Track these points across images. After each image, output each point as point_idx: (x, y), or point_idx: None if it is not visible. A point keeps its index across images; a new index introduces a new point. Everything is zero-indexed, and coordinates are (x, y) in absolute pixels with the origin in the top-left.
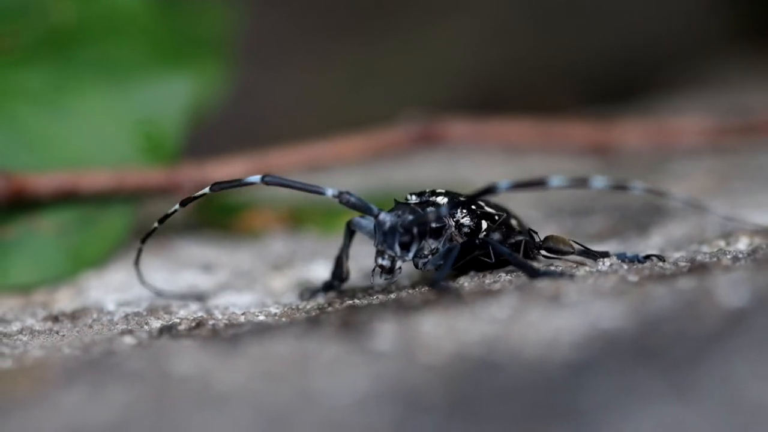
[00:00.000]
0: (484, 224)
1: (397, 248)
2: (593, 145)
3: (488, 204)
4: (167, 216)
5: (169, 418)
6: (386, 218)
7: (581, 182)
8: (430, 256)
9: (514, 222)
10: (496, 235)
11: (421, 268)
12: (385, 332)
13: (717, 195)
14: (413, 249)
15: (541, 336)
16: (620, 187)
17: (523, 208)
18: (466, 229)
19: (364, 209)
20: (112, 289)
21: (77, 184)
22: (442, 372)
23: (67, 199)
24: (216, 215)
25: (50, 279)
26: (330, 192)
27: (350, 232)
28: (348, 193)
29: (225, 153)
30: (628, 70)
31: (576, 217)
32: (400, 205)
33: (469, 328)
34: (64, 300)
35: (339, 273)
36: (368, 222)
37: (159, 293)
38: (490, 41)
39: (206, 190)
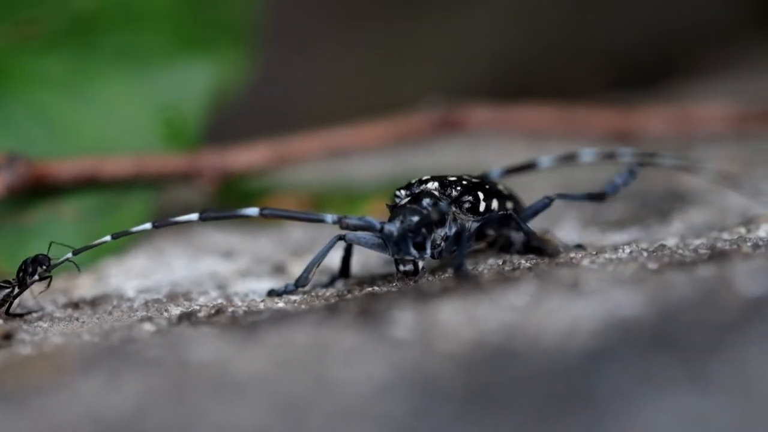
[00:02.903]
0: (481, 195)
1: (414, 251)
2: (616, 131)
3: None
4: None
5: (186, 405)
6: (392, 228)
7: (570, 158)
8: (442, 243)
9: (509, 204)
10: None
11: (437, 257)
12: (404, 320)
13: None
14: (428, 246)
15: (559, 324)
16: (609, 155)
17: (545, 194)
18: (467, 205)
19: (366, 228)
20: (133, 276)
21: (98, 170)
22: (460, 360)
23: (89, 185)
24: (237, 202)
25: (71, 265)
26: (329, 218)
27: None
28: (346, 216)
29: (248, 139)
30: (651, 57)
31: (597, 204)
32: (396, 210)
33: (487, 315)
34: (85, 286)
35: (346, 270)
36: (365, 235)
37: None
38: (517, 26)
39: (147, 225)
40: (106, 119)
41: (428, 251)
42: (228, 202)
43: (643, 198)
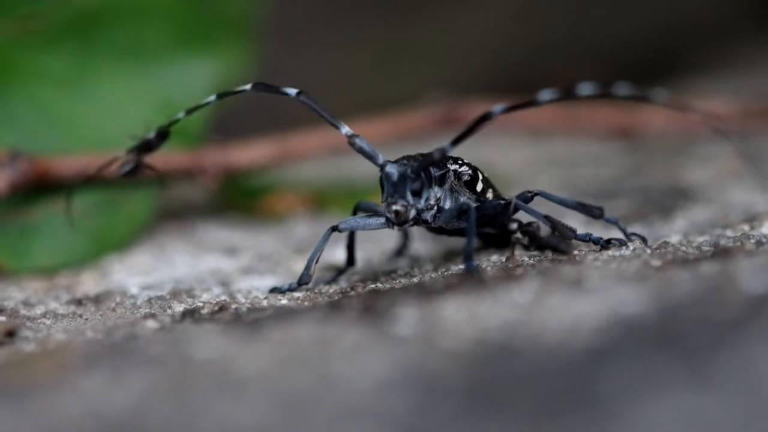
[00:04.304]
0: (480, 175)
1: (409, 196)
2: (618, 128)
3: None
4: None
5: (188, 402)
6: (393, 169)
7: (569, 92)
8: (436, 206)
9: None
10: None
11: (431, 223)
12: (407, 317)
13: (742, 177)
14: (425, 195)
15: (562, 321)
16: (606, 94)
17: (548, 189)
18: (465, 177)
19: (370, 155)
20: (136, 273)
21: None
22: (463, 357)
23: (91, 182)
24: (239, 199)
25: (74, 262)
26: (344, 130)
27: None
28: (358, 137)
29: (250, 135)
30: (654, 54)
31: (600, 200)
32: (402, 157)
33: (490, 313)
34: (88, 283)
35: (351, 258)
36: (357, 219)
37: None
38: (518, 22)
39: (248, 87)
40: (108, 115)
41: (422, 201)
42: (230, 199)
43: (646, 194)
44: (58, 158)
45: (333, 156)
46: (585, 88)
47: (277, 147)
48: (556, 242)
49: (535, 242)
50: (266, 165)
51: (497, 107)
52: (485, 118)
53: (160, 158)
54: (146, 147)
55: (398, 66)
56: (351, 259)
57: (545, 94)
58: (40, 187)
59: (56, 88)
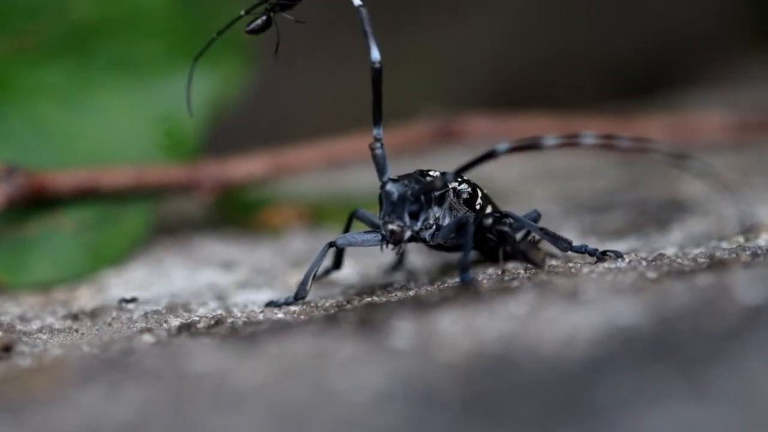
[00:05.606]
0: (480, 192)
1: (407, 218)
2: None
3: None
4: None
5: (185, 416)
6: (394, 188)
7: (572, 138)
8: (434, 225)
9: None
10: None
11: (429, 241)
12: (403, 330)
13: (739, 190)
14: (422, 218)
15: (558, 333)
16: (608, 145)
17: (544, 203)
18: (465, 195)
19: (380, 168)
20: (132, 287)
21: (98, 181)
22: (459, 370)
23: (88, 196)
24: (236, 212)
25: (70, 277)
26: (375, 131)
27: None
28: (382, 145)
29: (246, 149)
30: (650, 67)
31: (595, 213)
32: (404, 176)
33: (486, 325)
34: (84, 298)
35: (338, 261)
36: (353, 235)
37: None
38: (516, 36)
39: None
40: (104, 130)
41: (419, 223)
42: (226, 213)
43: (642, 207)
44: (55, 173)
45: (329, 170)
46: (588, 138)
47: (273, 161)
48: (527, 249)
49: (506, 243)
50: (263, 179)
51: (502, 146)
52: (490, 155)
53: (156, 172)
54: (283, 4)
55: (396, 81)
56: (338, 263)
57: (549, 140)
58: (36, 201)
59: (53, 103)
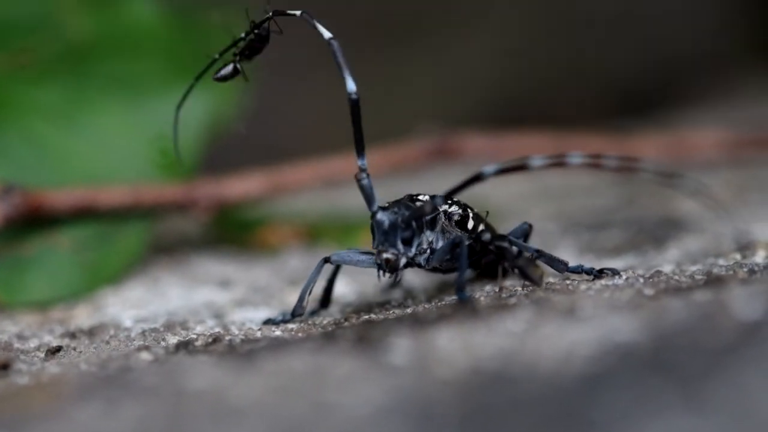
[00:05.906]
0: (471, 213)
1: (400, 245)
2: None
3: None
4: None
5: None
6: (384, 217)
7: (559, 158)
8: (429, 249)
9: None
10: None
11: (425, 266)
12: (401, 347)
13: (734, 207)
14: (415, 243)
15: (556, 350)
16: (596, 165)
17: (541, 221)
18: (456, 217)
19: (368, 197)
20: (130, 306)
21: (94, 200)
22: (457, 386)
23: (85, 215)
24: (232, 231)
25: (67, 295)
26: (359, 162)
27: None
28: (367, 175)
29: (242, 169)
30: (646, 85)
31: (593, 231)
32: (393, 204)
33: (484, 342)
34: (82, 316)
35: (327, 299)
36: (348, 254)
37: None
38: (513, 55)
39: (297, 12)
40: (101, 149)
41: (413, 249)
42: (223, 231)
43: (639, 225)
44: (52, 192)
45: (326, 188)
46: (575, 158)
47: (269, 179)
48: (525, 266)
49: (505, 259)
50: (259, 197)
51: (489, 168)
52: (477, 178)
53: (153, 191)
54: (251, 51)
55: (394, 100)
56: (326, 301)
57: (536, 161)
58: (33, 220)
59: (49, 122)
